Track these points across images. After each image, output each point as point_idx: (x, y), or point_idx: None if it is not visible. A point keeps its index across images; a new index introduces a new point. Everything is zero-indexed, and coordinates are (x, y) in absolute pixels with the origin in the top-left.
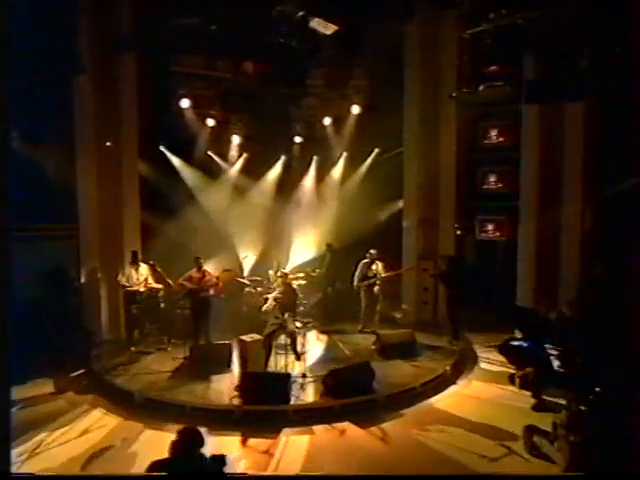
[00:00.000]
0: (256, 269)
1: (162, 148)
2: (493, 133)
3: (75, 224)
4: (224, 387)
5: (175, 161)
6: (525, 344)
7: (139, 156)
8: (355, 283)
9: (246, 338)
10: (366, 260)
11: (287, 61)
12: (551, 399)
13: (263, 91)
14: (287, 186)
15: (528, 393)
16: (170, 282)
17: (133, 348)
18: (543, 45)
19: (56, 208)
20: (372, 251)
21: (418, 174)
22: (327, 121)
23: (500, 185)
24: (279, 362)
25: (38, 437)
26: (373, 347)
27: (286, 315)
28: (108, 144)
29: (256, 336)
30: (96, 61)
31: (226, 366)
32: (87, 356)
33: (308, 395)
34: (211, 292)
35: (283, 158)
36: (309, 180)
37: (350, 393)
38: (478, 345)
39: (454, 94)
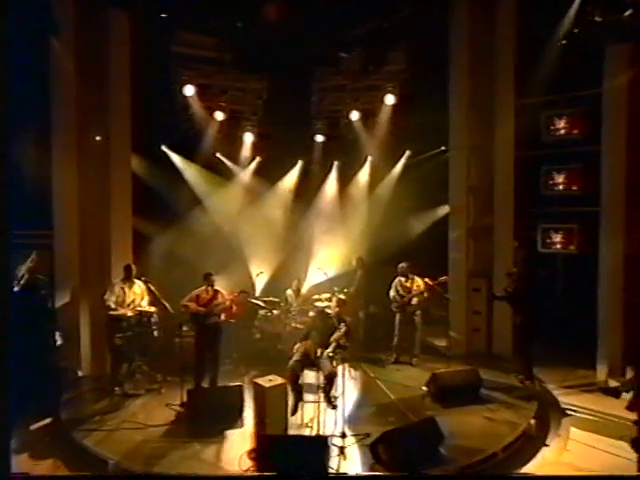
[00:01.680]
0: (270, 288)
1: (163, 147)
2: (560, 123)
3: (48, 230)
4: (234, 451)
5: (176, 159)
6: None
7: (132, 151)
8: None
9: (263, 381)
10: (398, 276)
11: (319, 11)
12: None
13: (286, 50)
14: (307, 192)
15: None
16: (166, 305)
17: (117, 389)
18: None
19: (24, 210)
20: (403, 264)
21: (468, 175)
22: (355, 116)
23: (571, 186)
24: (305, 411)
25: None
26: (425, 389)
27: (319, 351)
28: (98, 138)
29: (277, 379)
30: (77, 21)
31: (236, 418)
32: (55, 401)
33: (351, 466)
34: (222, 317)
35: (303, 159)
36: (333, 185)
37: (411, 464)
38: (553, 385)
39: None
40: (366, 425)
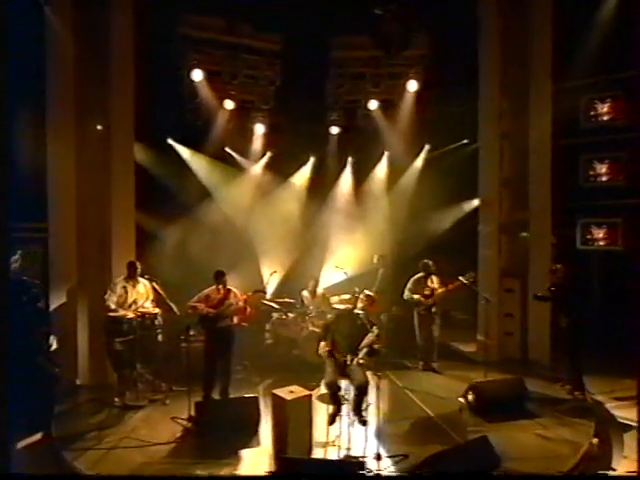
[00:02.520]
0: (284, 288)
1: (169, 140)
2: (603, 108)
3: (43, 223)
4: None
5: (183, 151)
6: None
7: (136, 139)
8: (406, 295)
9: (283, 393)
10: (420, 275)
11: None
12: None
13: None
14: (322, 187)
15: None
16: (172, 306)
17: (117, 399)
18: None
19: (15, 200)
20: (429, 262)
21: (500, 166)
22: (374, 105)
23: (615, 177)
24: (328, 427)
25: None
26: (462, 401)
27: (349, 358)
28: (99, 127)
29: (299, 390)
30: None
31: (252, 435)
32: (47, 414)
33: None
34: (234, 320)
35: (317, 154)
36: (350, 180)
37: None
38: (602, 397)
39: None
40: (401, 444)
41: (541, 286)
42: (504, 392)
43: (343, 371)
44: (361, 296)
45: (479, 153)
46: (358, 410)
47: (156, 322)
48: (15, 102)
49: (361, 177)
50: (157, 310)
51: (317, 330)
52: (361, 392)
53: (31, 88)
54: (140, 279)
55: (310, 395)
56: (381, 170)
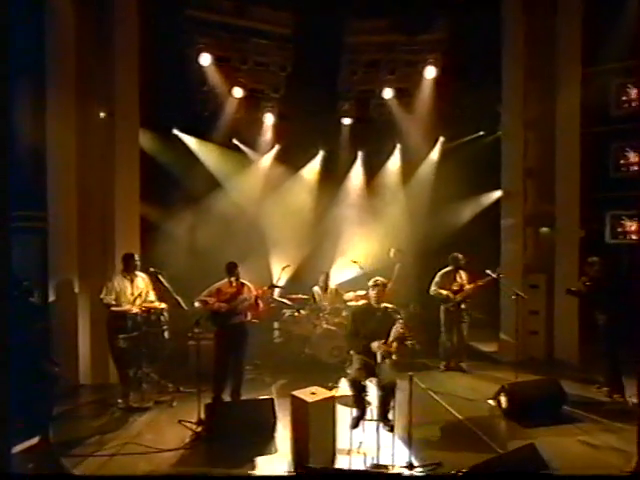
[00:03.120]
0: (294, 284)
1: (175, 131)
2: (636, 93)
3: (42, 212)
4: None
5: (190, 141)
6: None
7: (142, 126)
8: (432, 290)
9: (304, 395)
10: (448, 269)
11: None
12: None
13: None
14: (334, 180)
15: None
16: (179, 300)
17: (120, 401)
18: None
19: (13, 188)
20: (458, 255)
21: (525, 155)
22: (388, 94)
23: None
24: (351, 431)
25: None
26: (493, 403)
27: (379, 356)
28: (102, 115)
29: (320, 391)
30: None
31: (268, 440)
32: (44, 416)
33: None
34: (248, 316)
35: (328, 145)
36: (363, 173)
37: None
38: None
39: None
40: (432, 450)
41: (568, 282)
42: (539, 394)
43: (371, 369)
44: (370, 283)
45: (501, 142)
46: (384, 413)
47: (162, 318)
48: (14, 86)
49: (373, 170)
50: (163, 305)
51: (332, 328)
52: (387, 393)
53: (31, 71)
54: (138, 273)
55: (334, 397)
56: (394, 163)
